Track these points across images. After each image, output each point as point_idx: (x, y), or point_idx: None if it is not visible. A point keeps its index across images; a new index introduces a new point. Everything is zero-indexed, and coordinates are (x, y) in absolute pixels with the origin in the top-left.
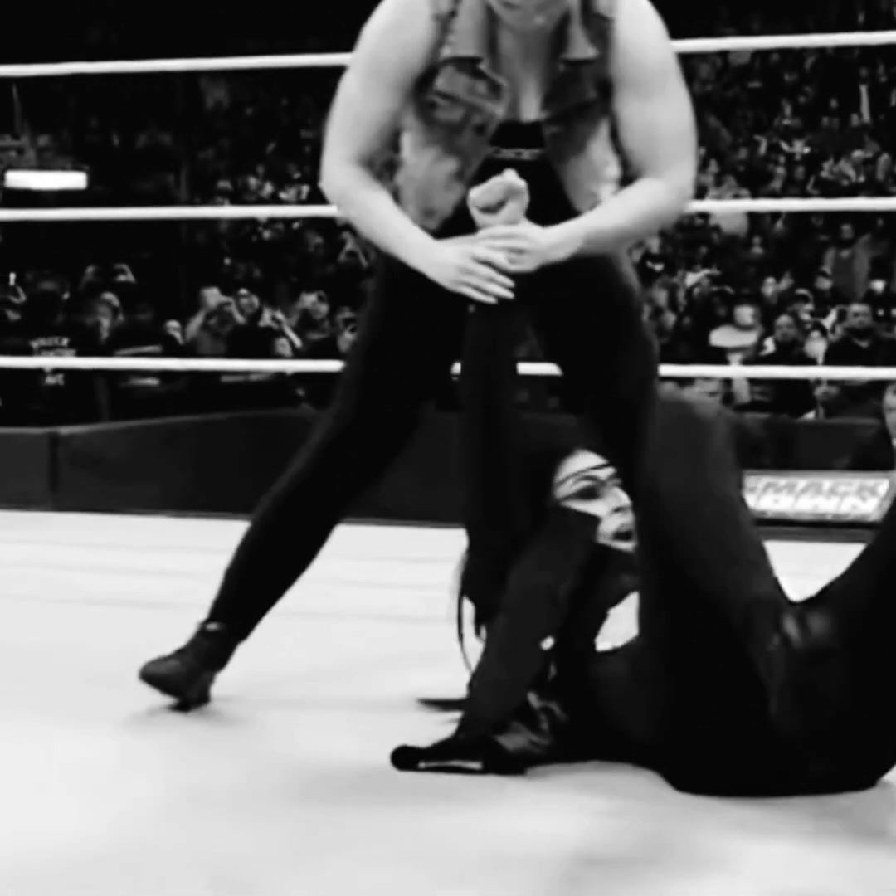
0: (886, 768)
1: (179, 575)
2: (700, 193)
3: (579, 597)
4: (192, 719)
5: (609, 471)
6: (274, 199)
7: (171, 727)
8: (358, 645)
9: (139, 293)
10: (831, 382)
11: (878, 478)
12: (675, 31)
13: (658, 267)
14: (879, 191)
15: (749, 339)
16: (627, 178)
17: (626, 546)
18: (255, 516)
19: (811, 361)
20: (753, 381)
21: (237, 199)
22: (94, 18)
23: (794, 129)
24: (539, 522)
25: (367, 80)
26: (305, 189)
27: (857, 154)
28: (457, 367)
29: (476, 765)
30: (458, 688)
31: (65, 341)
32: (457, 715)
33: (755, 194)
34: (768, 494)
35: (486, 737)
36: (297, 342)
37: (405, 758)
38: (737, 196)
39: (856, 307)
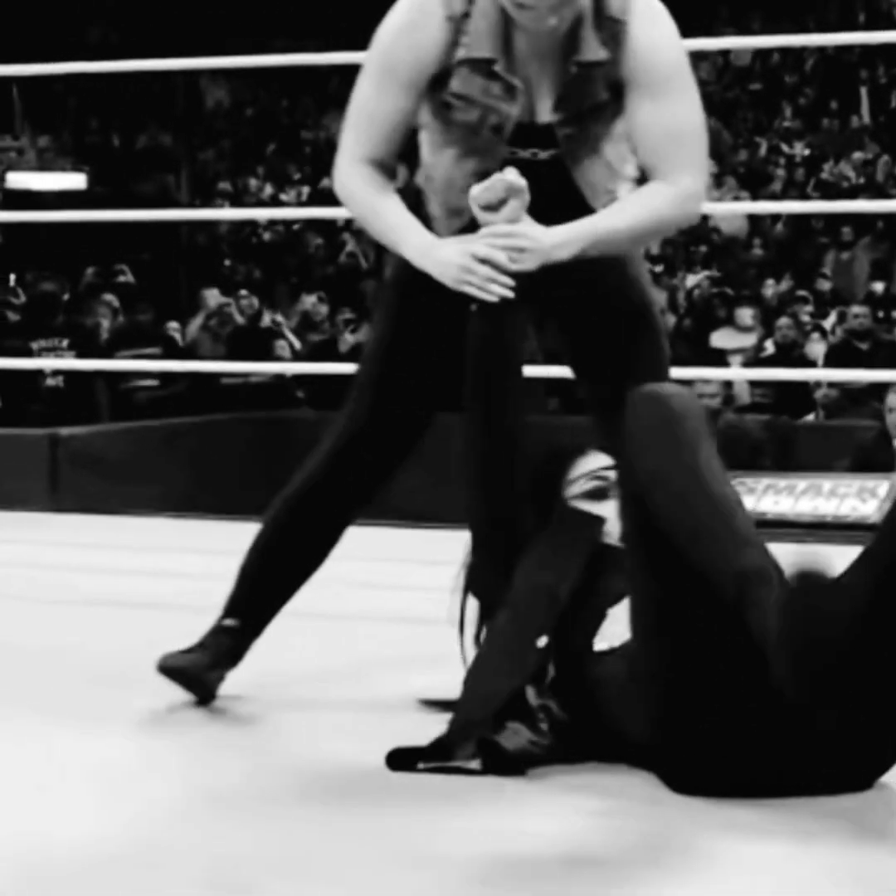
0: (884, 769)
1: (179, 576)
2: None
3: (580, 596)
4: (199, 719)
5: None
6: (274, 201)
7: (176, 727)
8: (367, 646)
9: (139, 294)
10: (831, 384)
11: (878, 479)
12: None
13: (658, 268)
14: (879, 192)
15: (749, 340)
16: (644, 178)
17: None
18: (267, 516)
19: (811, 363)
20: (754, 383)
21: (237, 200)
22: (94, 19)
23: (794, 131)
24: (548, 522)
25: (381, 80)
26: (306, 190)
27: (857, 155)
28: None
29: (475, 766)
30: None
31: (65, 342)
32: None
33: (755, 196)
34: (768, 496)
35: (486, 737)
36: (297, 344)
37: (401, 759)
38: (737, 198)
39: (856, 309)
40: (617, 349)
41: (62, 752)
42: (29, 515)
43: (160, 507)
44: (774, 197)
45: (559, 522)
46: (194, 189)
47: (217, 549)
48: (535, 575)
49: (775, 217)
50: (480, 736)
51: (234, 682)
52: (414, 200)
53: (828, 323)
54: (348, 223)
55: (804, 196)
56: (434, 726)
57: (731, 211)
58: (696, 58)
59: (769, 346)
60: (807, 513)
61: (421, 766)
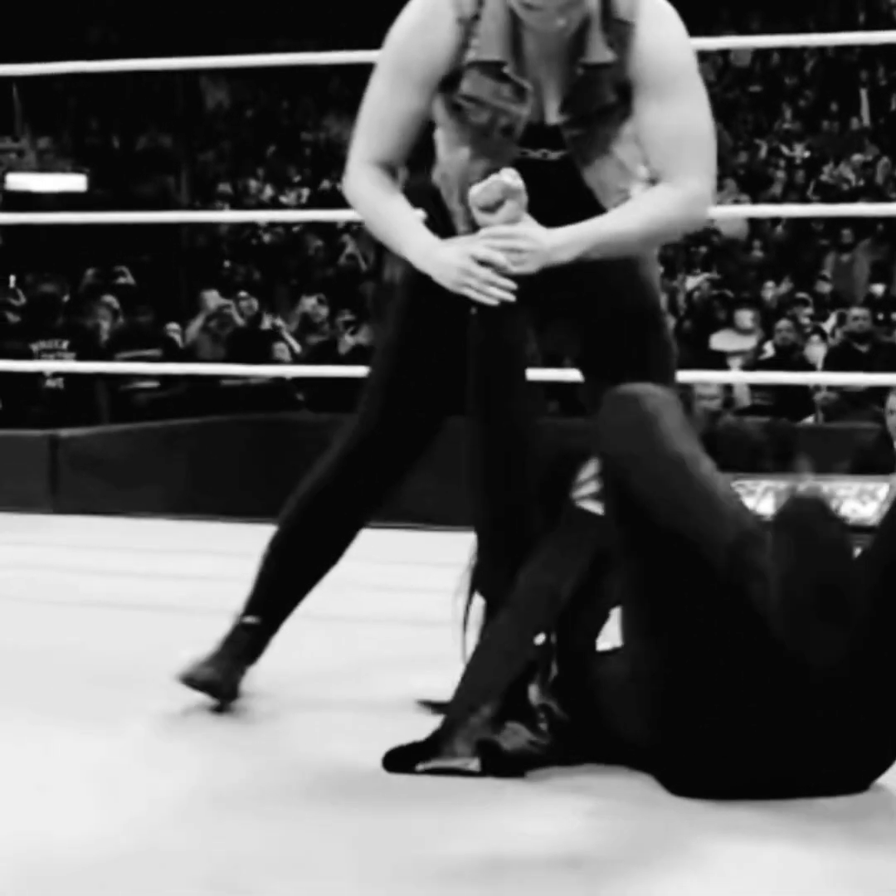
0: (881, 770)
1: (179, 577)
2: None
3: (583, 596)
4: (200, 720)
5: None
6: (274, 202)
7: (176, 728)
8: (371, 647)
9: (139, 295)
10: (831, 387)
11: (877, 482)
12: None
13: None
14: (879, 195)
15: (749, 342)
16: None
17: None
18: (281, 516)
19: (811, 365)
20: (753, 386)
21: (237, 201)
22: (94, 19)
23: (794, 133)
24: (555, 523)
25: (394, 79)
26: (306, 192)
27: (857, 157)
28: None
29: (474, 767)
30: None
31: (65, 344)
32: None
33: (755, 198)
34: (768, 498)
35: (485, 739)
36: (297, 348)
37: (399, 761)
38: (737, 200)
39: (856, 311)
40: (625, 351)
41: (62, 752)
42: (28, 517)
43: (160, 509)
44: (774, 199)
45: (564, 523)
46: (194, 191)
47: (217, 550)
48: (538, 574)
49: (775, 219)
50: (480, 737)
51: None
52: (433, 197)
53: (828, 325)
54: (348, 225)
55: (804, 198)
56: (432, 727)
57: (731, 213)
58: (697, 58)
59: (769, 349)
60: None
61: (420, 767)
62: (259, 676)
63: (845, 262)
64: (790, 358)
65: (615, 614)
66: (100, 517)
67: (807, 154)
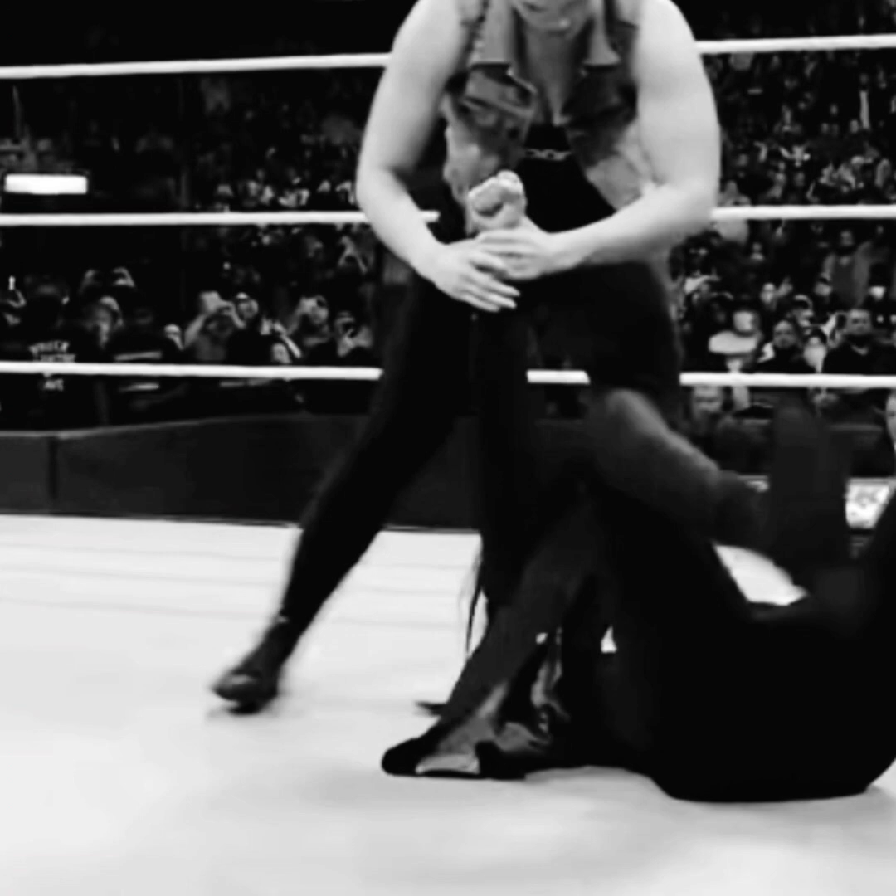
0: (878, 773)
1: (179, 579)
2: None
3: (587, 597)
4: (200, 722)
5: None
6: (274, 204)
7: (177, 730)
8: (374, 649)
9: (139, 298)
10: (830, 389)
11: (877, 484)
12: None
13: None
14: (879, 197)
15: (748, 345)
16: None
17: None
18: (302, 519)
19: (810, 368)
20: (753, 388)
21: (237, 204)
22: (94, 22)
23: (793, 136)
24: (559, 523)
25: (403, 82)
26: (305, 194)
27: (857, 160)
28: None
29: (473, 769)
30: None
31: (64, 346)
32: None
33: (755, 201)
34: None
35: (484, 741)
36: (297, 352)
37: (398, 762)
38: (737, 203)
39: (855, 313)
40: (632, 357)
41: (64, 755)
42: (28, 519)
43: (159, 511)
44: (774, 202)
45: (569, 524)
46: (194, 193)
47: (217, 552)
48: (543, 574)
49: (775, 222)
50: (479, 739)
51: None
52: (444, 193)
53: (827, 328)
54: (347, 227)
55: (804, 201)
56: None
57: (731, 216)
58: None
59: (768, 351)
60: None
61: (419, 769)
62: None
63: (845, 265)
64: (789, 360)
65: None
66: (99, 519)
67: (806, 157)
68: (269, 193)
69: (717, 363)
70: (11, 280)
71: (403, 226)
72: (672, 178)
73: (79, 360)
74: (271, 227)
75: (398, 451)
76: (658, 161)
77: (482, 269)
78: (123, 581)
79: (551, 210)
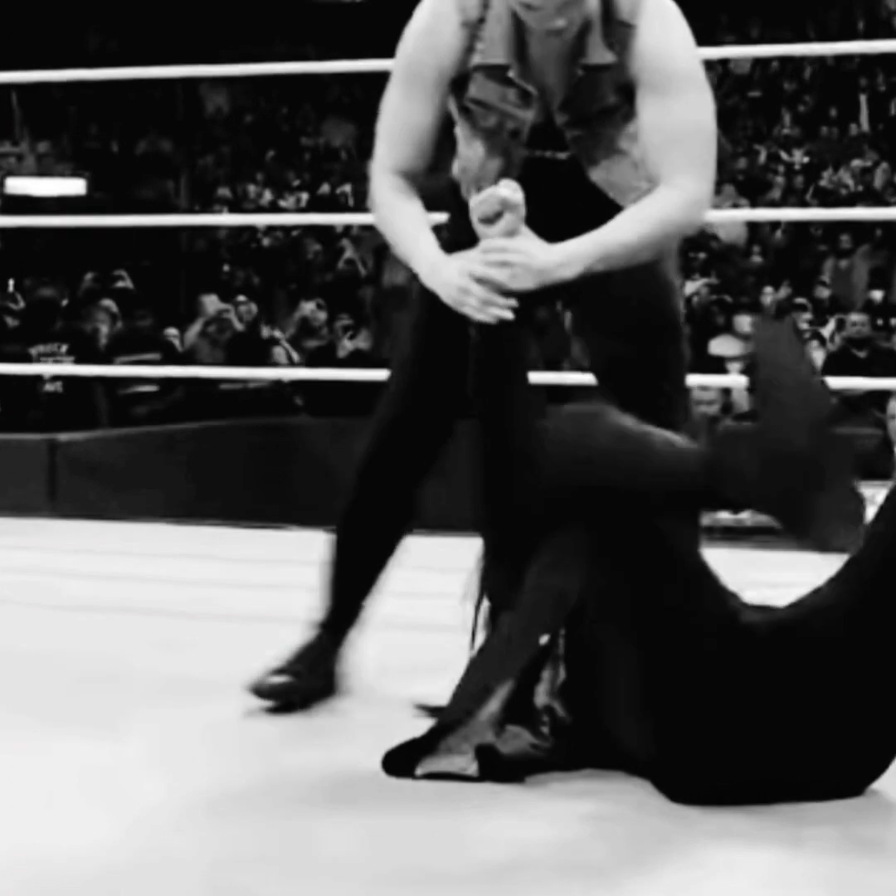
0: (874, 776)
1: (178, 582)
2: None
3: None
4: (199, 723)
5: None
6: (273, 207)
7: (176, 732)
8: (376, 652)
9: (138, 300)
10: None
11: (876, 488)
12: None
13: None
14: (878, 200)
15: (748, 348)
16: None
17: None
18: (333, 527)
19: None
20: None
21: (237, 206)
22: (92, 26)
23: (793, 139)
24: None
25: (407, 85)
26: (304, 196)
27: (856, 163)
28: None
29: (473, 772)
30: None
31: (64, 348)
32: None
33: (754, 203)
34: None
35: (483, 744)
36: (295, 357)
37: (398, 764)
38: (736, 205)
39: (854, 317)
40: (639, 361)
41: (64, 758)
42: (27, 521)
43: (159, 513)
44: (773, 204)
45: (572, 525)
46: (193, 195)
47: (216, 554)
48: (545, 576)
49: (774, 225)
50: (479, 742)
51: (238, 685)
52: (453, 191)
53: (826, 331)
54: (347, 230)
55: (803, 204)
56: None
57: (730, 218)
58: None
59: None
60: None
61: (419, 771)
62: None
63: (844, 268)
64: None
65: None
66: (98, 521)
67: (806, 159)
68: (268, 196)
69: (717, 366)
70: (11, 282)
71: (409, 233)
72: (667, 178)
73: (78, 362)
74: (271, 230)
75: (404, 452)
76: (653, 159)
77: (480, 280)
78: (123, 583)
79: (557, 209)
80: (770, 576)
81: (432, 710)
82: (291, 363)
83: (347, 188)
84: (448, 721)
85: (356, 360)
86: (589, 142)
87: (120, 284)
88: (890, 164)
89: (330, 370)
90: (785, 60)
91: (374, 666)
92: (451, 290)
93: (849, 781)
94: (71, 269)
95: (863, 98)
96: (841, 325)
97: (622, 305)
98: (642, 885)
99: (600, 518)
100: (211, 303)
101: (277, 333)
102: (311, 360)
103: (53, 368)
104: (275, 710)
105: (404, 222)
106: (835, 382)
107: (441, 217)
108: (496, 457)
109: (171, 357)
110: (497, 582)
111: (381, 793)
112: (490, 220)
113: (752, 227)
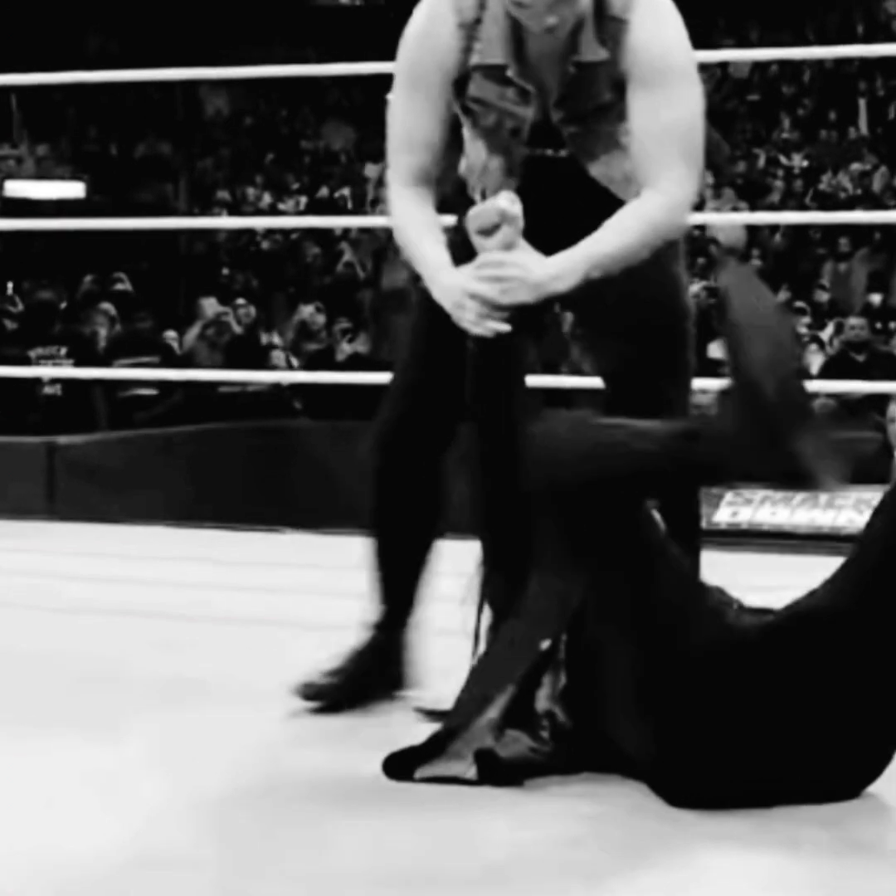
0: (871, 779)
1: (177, 584)
2: (698, 205)
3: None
4: (200, 726)
5: None
6: (272, 210)
7: (177, 735)
8: None
9: (137, 302)
10: (828, 395)
11: (875, 491)
12: None
13: None
14: (877, 204)
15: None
16: None
17: None
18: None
19: (808, 375)
20: None
21: (236, 209)
22: (92, 28)
23: (792, 142)
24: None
25: (411, 91)
26: (304, 199)
27: (855, 167)
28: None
29: (472, 775)
30: None
31: (63, 350)
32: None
33: (753, 207)
34: (765, 506)
35: (483, 747)
36: (294, 363)
37: (398, 767)
38: (735, 209)
39: (853, 320)
40: (647, 365)
41: (66, 760)
42: (26, 524)
43: (158, 516)
44: (772, 208)
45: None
46: (193, 198)
47: (215, 557)
48: (547, 580)
49: (773, 228)
50: (479, 746)
51: (237, 687)
52: (460, 189)
53: (825, 334)
54: (346, 233)
55: (802, 207)
56: (431, 732)
57: (730, 222)
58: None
59: None
60: (803, 524)
61: (418, 775)
62: (261, 683)
63: (843, 272)
64: None
65: None
66: (97, 524)
67: (805, 163)
68: (267, 199)
69: (716, 369)
70: (10, 285)
71: (416, 239)
72: (652, 174)
73: (77, 364)
74: (270, 233)
75: (407, 452)
76: (639, 156)
77: (475, 296)
78: (122, 586)
79: (560, 208)
80: (766, 579)
81: (432, 714)
82: (290, 367)
83: (346, 191)
84: (450, 727)
85: (355, 363)
86: (586, 138)
87: (119, 287)
88: (889, 168)
89: (328, 373)
90: (784, 64)
91: None
92: (449, 305)
93: (846, 784)
94: (70, 271)
95: (862, 102)
96: (839, 329)
97: (629, 304)
98: (640, 887)
99: (590, 516)
100: (210, 306)
101: (276, 339)
102: (309, 363)
103: (52, 371)
104: (320, 711)
105: (412, 231)
106: (834, 386)
107: (450, 221)
108: (492, 462)
109: (170, 360)
110: (496, 587)
111: (383, 795)
112: (488, 231)
113: (752, 230)
